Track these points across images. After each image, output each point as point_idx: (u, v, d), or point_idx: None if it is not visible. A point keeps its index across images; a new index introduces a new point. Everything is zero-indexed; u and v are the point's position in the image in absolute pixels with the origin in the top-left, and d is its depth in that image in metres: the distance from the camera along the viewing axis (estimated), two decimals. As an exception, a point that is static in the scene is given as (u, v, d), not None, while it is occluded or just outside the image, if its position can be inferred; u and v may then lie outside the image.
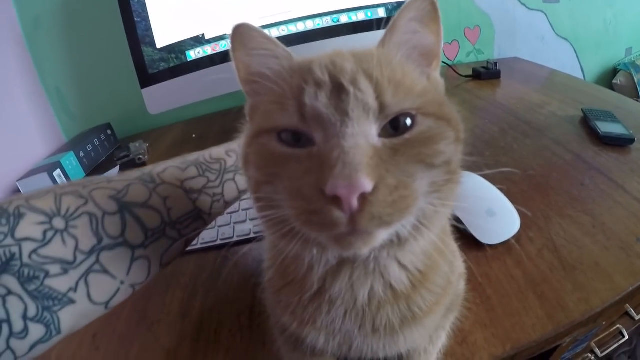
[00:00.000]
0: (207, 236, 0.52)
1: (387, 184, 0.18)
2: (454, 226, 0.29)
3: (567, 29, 1.10)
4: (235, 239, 0.51)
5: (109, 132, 0.94)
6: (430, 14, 0.23)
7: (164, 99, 0.82)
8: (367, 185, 0.17)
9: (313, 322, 0.26)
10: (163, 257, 0.32)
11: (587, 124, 0.66)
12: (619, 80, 1.21)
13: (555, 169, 0.56)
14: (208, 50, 0.81)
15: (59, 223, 0.26)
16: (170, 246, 0.32)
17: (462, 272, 0.33)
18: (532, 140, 0.64)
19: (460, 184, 0.23)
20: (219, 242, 0.51)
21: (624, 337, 0.67)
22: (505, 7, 1.04)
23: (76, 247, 0.26)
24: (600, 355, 0.67)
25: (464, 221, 0.44)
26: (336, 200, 0.17)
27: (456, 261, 0.32)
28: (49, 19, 0.91)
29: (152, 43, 0.79)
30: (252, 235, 0.51)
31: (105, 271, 0.27)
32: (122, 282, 0.29)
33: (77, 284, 0.26)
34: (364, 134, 0.19)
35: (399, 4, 0.82)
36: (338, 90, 0.20)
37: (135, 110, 0.97)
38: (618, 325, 0.63)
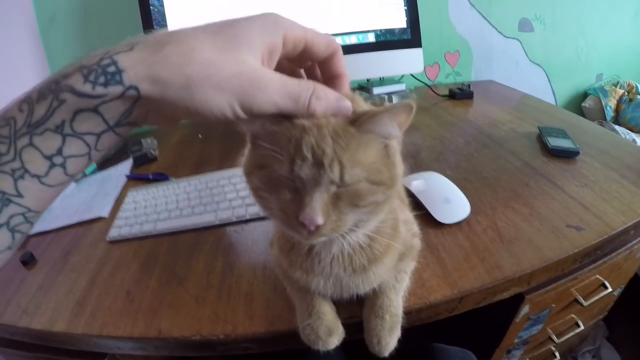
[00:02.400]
0: (224, 215, 0.67)
1: (331, 219, 0.33)
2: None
3: (540, 56, 1.29)
4: (247, 217, 0.66)
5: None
6: (406, 117, 0.33)
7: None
8: (320, 221, 0.32)
9: (312, 270, 0.42)
10: None
11: (541, 139, 0.82)
12: (587, 103, 1.39)
13: (506, 173, 0.72)
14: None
15: None
16: None
17: (416, 232, 0.50)
18: (491, 150, 0.81)
19: (385, 212, 0.38)
20: (234, 219, 0.66)
21: (579, 327, 0.81)
22: (483, 34, 1.23)
23: None
24: (557, 340, 0.80)
25: (425, 205, 0.60)
26: (303, 224, 0.32)
27: (412, 226, 0.49)
28: (65, 16, 1.02)
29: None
30: (261, 215, 0.65)
31: None
32: None
33: None
34: (325, 193, 0.32)
35: (388, 31, 0.99)
36: (318, 165, 0.31)
37: None
38: (573, 315, 0.77)
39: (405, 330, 0.44)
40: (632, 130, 1.26)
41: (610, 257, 0.64)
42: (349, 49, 0.98)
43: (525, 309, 0.62)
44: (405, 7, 0.99)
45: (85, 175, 0.91)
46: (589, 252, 0.55)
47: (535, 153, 0.78)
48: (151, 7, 0.91)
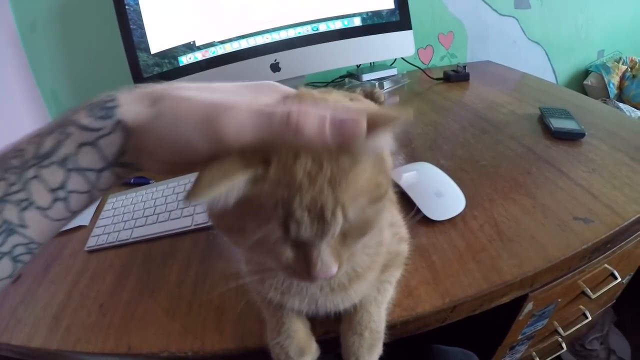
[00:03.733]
0: (200, 218, 0.62)
1: (343, 261, 0.30)
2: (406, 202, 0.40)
3: (538, 33, 1.20)
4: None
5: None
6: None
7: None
8: (334, 270, 0.29)
9: (287, 291, 0.37)
10: None
11: (543, 121, 0.75)
12: (589, 81, 1.31)
13: (506, 160, 0.65)
14: (199, 56, 0.90)
15: None
16: None
17: (404, 236, 0.43)
18: (489, 135, 0.74)
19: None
20: (209, 222, 0.60)
21: (587, 318, 0.76)
22: (478, 13, 1.14)
23: None
24: (563, 334, 0.75)
25: (415, 201, 0.54)
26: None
27: (399, 229, 0.43)
28: (46, 22, 0.99)
29: (147, 49, 0.88)
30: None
31: None
32: None
33: None
34: (332, 239, 0.28)
35: (374, 13, 0.92)
36: (319, 221, 0.27)
37: None
38: (580, 306, 0.72)
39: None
40: (636, 108, 1.18)
41: (620, 246, 0.57)
42: (334, 35, 0.91)
43: (528, 307, 0.56)
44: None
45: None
46: (598, 246, 0.48)
47: (537, 137, 0.71)
48: (127, 7, 0.87)
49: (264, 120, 0.26)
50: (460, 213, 0.53)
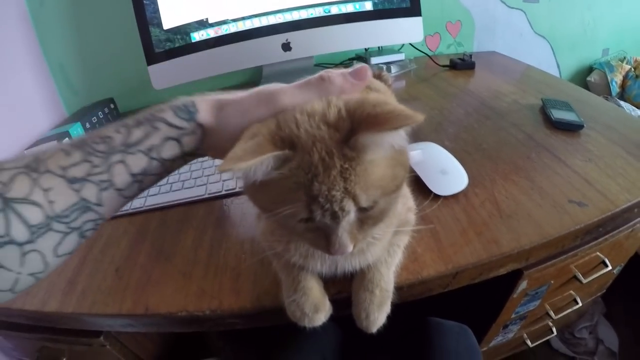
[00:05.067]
0: (214, 188, 0.64)
1: (358, 242, 0.34)
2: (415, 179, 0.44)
3: (545, 28, 1.22)
4: (237, 189, 0.63)
5: (111, 106, 1.03)
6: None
7: (168, 75, 0.92)
8: (350, 249, 0.33)
9: (312, 255, 0.41)
10: (57, 250, 0.32)
11: (544, 111, 0.77)
12: (592, 78, 1.32)
13: (507, 145, 0.68)
14: (211, 33, 0.91)
15: None
16: (62, 240, 0.32)
17: (412, 206, 0.46)
18: (492, 122, 0.76)
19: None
20: (223, 192, 0.63)
21: (577, 303, 0.78)
22: (486, 4, 1.15)
23: None
24: (554, 317, 0.78)
25: (421, 176, 0.56)
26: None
27: (407, 200, 0.46)
28: None
29: (159, 24, 0.89)
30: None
31: (0, 266, 0.29)
32: (19, 273, 0.30)
33: None
34: (347, 223, 0.32)
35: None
36: (333, 213, 0.31)
37: (137, 87, 1.05)
38: (571, 292, 0.75)
39: (399, 305, 0.42)
40: (638, 107, 1.20)
41: (612, 235, 0.60)
42: (345, 18, 0.92)
43: (523, 285, 0.59)
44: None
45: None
46: (590, 229, 0.51)
47: (538, 125, 0.73)
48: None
49: (305, 85, 0.34)
50: (463, 190, 0.56)
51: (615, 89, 1.27)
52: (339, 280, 0.43)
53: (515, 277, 0.57)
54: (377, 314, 0.40)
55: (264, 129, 0.32)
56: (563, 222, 0.50)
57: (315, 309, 0.40)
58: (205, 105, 0.36)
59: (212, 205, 0.62)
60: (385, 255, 0.43)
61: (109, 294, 0.50)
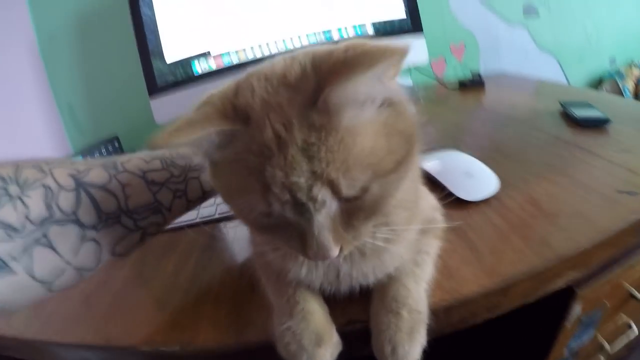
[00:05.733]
0: (206, 212, 0.56)
1: (347, 243, 0.25)
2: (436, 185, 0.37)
3: (549, 42, 1.17)
4: (231, 213, 0.55)
5: (116, 144, 1.00)
6: (398, 61, 0.22)
7: (170, 109, 0.89)
8: (334, 253, 0.24)
9: (307, 263, 0.30)
10: (116, 247, 0.31)
11: (565, 114, 0.70)
12: (604, 88, 1.26)
13: (533, 147, 0.60)
14: (213, 65, 0.90)
15: (14, 190, 0.26)
16: (124, 236, 0.31)
17: (435, 205, 0.37)
18: (511, 128, 0.69)
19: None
20: (216, 216, 0.55)
21: (630, 328, 0.66)
22: (487, 22, 1.12)
23: (26, 216, 0.26)
24: (610, 350, 0.66)
25: (444, 183, 0.48)
26: None
27: (428, 197, 0.37)
28: (64, 34, 1.00)
29: (162, 58, 0.88)
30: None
31: (51, 246, 0.27)
32: (68, 263, 0.28)
33: (20, 253, 0.25)
34: (326, 218, 0.24)
35: (386, 23, 0.91)
36: (298, 205, 0.23)
37: (142, 125, 1.02)
38: (624, 315, 0.63)
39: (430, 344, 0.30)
40: (654, 110, 1.13)
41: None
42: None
43: (577, 310, 0.48)
44: (403, -7, 0.92)
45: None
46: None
47: (562, 126, 0.66)
48: (143, 17, 0.87)
49: None
50: (494, 194, 0.47)
51: (628, 95, 1.20)
52: (349, 306, 0.33)
53: (566, 300, 0.46)
54: (407, 347, 0.28)
55: (218, 95, 0.25)
56: (618, 213, 0.41)
57: (318, 340, 0.29)
58: None
59: (201, 230, 0.54)
60: (412, 266, 0.33)
61: (74, 321, 0.42)
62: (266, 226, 0.26)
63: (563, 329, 0.50)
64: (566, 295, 0.45)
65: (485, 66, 1.15)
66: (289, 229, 0.25)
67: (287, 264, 0.31)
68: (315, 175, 0.22)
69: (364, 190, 0.23)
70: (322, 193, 0.22)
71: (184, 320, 0.38)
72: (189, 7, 0.87)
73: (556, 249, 0.37)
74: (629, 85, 1.19)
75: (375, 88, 0.23)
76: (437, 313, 0.32)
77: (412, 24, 0.92)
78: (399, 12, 0.92)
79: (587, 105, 0.70)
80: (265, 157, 0.22)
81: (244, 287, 0.40)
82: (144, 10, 0.86)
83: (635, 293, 0.54)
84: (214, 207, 0.57)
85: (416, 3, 0.90)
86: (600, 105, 0.71)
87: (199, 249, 0.50)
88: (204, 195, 0.38)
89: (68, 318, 0.43)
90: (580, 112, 0.66)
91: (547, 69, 1.18)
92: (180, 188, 0.35)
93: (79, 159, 0.84)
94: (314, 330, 0.29)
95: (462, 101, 0.94)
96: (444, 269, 0.36)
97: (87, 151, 0.93)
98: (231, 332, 0.35)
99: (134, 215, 0.32)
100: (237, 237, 0.50)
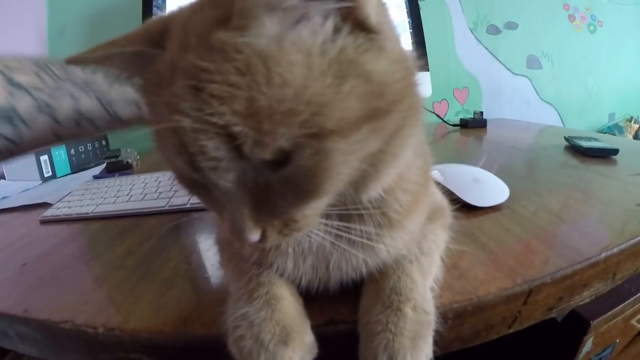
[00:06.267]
0: (177, 201, 0.49)
1: (272, 226, 0.19)
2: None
3: (550, 94, 1.18)
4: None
5: (103, 142, 0.94)
6: None
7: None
8: (254, 237, 0.19)
9: (276, 246, 0.23)
10: None
11: (572, 147, 0.67)
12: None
13: (543, 170, 0.56)
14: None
15: None
16: None
17: (440, 195, 0.32)
18: (518, 157, 0.65)
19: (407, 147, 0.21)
20: (188, 205, 0.48)
21: None
22: (492, 70, 1.13)
23: None
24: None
25: (451, 189, 0.41)
26: None
27: (434, 189, 0.31)
28: (75, 29, 0.98)
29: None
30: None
31: None
32: None
33: None
34: (235, 186, 0.18)
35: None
36: (191, 159, 0.17)
37: (133, 131, 0.98)
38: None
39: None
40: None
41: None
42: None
43: (588, 345, 0.41)
44: (410, 30, 0.93)
45: (54, 177, 0.76)
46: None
47: (569, 156, 0.62)
48: (154, 15, 0.86)
49: None
50: (505, 202, 0.41)
51: (625, 148, 1.20)
52: (333, 299, 0.25)
53: (577, 334, 0.40)
54: (409, 357, 0.20)
55: (161, 17, 0.20)
56: None
57: (284, 336, 0.21)
58: None
59: (167, 218, 0.47)
60: (417, 253, 0.25)
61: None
62: (188, 187, 0.21)
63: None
64: (581, 326, 0.39)
65: (487, 111, 1.15)
66: (208, 194, 0.19)
67: (268, 257, 0.24)
68: (203, 119, 0.15)
69: (285, 154, 0.16)
70: (214, 146, 0.16)
71: (119, 301, 0.30)
72: None
73: (583, 253, 0.30)
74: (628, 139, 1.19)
75: None
76: (446, 318, 0.24)
77: (418, 57, 0.91)
78: (406, 46, 0.92)
79: (593, 138, 0.66)
80: (159, 89, 0.17)
81: (201, 277, 0.33)
82: (156, 11, 0.85)
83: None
84: (186, 197, 0.50)
85: (423, 37, 0.90)
86: (606, 141, 0.68)
87: (159, 235, 0.42)
88: (78, 120, 0.30)
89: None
90: (587, 144, 0.63)
91: (547, 119, 1.18)
92: (47, 102, 0.28)
93: (61, 148, 0.78)
94: (280, 321, 0.21)
95: (464, 139, 0.90)
96: (453, 268, 0.29)
97: (72, 145, 0.87)
98: (172, 321, 0.27)
99: None
100: (207, 225, 0.43)
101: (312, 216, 0.20)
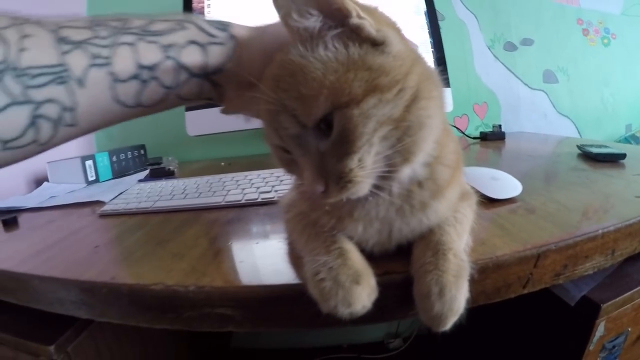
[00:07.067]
0: (232, 197, 0.57)
1: (332, 181, 0.27)
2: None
3: (567, 107, 1.24)
4: (259, 199, 0.56)
5: (142, 151, 1.04)
6: None
7: (204, 122, 0.93)
8: (320, 189, 0.27)
9: (349, 214, 0.31)
10: None
11: (583, 155, 0.73)
12: (620, 149, 1.29)
13: (553, 172, 0.64)
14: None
15: None
16: (7, 105, 0.23)
17: (467, 184, 0.39)
18: (530, 163, 0.72)
19: (432, 126, 0.28)
20: (243, 201, 0.56)
21: None
22: (510, 85, 1.20)
23: None
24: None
25: (473, 185, 0.48)
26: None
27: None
28: None
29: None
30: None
31: None
32: None
33: None
34: (305, 149, 0.27)
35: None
36: (276, 131, 0.28)
37: (169, 136, 1.07)
38: None
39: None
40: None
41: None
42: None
43: (600, 329, 0.46)
44: (432, 49, 1.01)
45: (97, 181, 0.86)
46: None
47: (580, 161, 0.69)
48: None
49: None
50: (519, 195, 0.48)
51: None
52: (384, 258, 0.33)
53: (590, 318, 0.45)
54: (454, 290, 0.27)
55: None
56: (639, 210, 0.41)
57: (356, 277, 0.27)
58: (243, 27, 0.34)
59: (228, 211, 0.54)
60: (453, 220, 0.33)
61: (78, 263, 0.40)
62: (278, 156, 0.30)
63: (586, 353, 0.47)
64: (592, 310, 0.44)
65: (505, 125, 1.21)
66: (292, 161, 0.29)
67: (342, 224, 0.32)
68: (278, 103, 0.26)
69: (327, 123, 0.26)
70: (285, 120, 0.27)
71: (202, 268, 0.36)
72: (239, 19, 0.94)
73: (583, 229, 0.37)
74: (646, 151, 1.21)
75: (311, 21, 0.26)
76: (472, 273, 0.31)
77: (440, 73, 0.99)
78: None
79: (604, 145, 0.73)
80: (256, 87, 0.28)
81: (275, 252, 0.39)
82: None
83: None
84: (240, 195, 0.58)
85: (444, 54, 0.98)
86: (616, 148, 0.75)
87: (223, 223, 0.49)
88: (140, 76, 0.28)
89: (73, 260, 0.42)
90: (597, 150, 0.69)
91: (565, 132, 1.23)
92: (101, 54, 0.26)
93: (104, 154, 0.88)
94: (352, 266, 0.28)
95: (483, 150, 0.97)
96: (476, 239, 0.36)
97: (114, 152, 0.96)
98: (254, 280, 0.34)
99: (22, 77, 0.23)
100: (266, 218, 0.50)
101: (358, 171, 0.26)
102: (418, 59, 0.29)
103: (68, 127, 0.26)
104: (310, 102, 0.25)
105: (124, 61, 0.27)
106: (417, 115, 0.27)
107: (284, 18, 0.27)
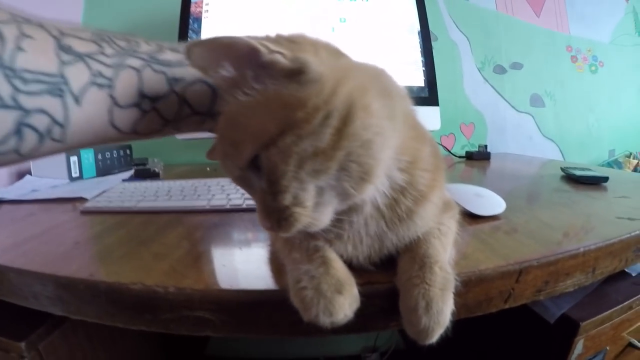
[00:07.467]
0: (217, 201, 0.57)
1: (274, 218, 0.27)
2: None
3: (552, 131, 1.29)
4: (244, 206, 0.56)
5: (127, 151, 1.03)
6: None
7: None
8: (267, 225, 0.28)
9: (339, 237, 0.31)
10: None
11: (567, 177, 0.76)
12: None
13: (536, 193, 0.67)
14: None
15: None
16: None
17: (449, 196, 0.39)
18: (514, 184, 0.75)
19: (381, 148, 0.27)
20: (228, 206, 0.56)
21: None
22: (497, 107, 1.25)
23: None
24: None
25: (457, 201, 0.49)
26: None
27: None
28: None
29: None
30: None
31: None
32: None
33: None
34: (254, 192, 0.28)
35: (406, 88, 1.01)
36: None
37: (156, 143, 1.05)
38: None
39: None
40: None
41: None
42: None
43: (579, 348, 0.47)
44: (424, 68, 1.03)
45: (81, 178, 0.84)
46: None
47: (563, 183, 0.72)
48: (189, 33, 0.93)
49: None
50: (503, 213, 0.50)
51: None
52: (366, 271, 0.33)
53: (570, 334, 0.46)
54: (441, 304, 0.27)
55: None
56: (619, 229, 0.43)
57: (338, 287, 0.27)
58: None
59: (213, 215, 0.54)
60: (437, 232, 0.33)
61: (57, 258, 0.39)
62: (236, 182, 0.30)
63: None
64: (571, 328, 0.45)
65: (491, 145, 1.25)
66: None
67: (331, 244, 0.32)
68: (225, 151, 0.28)
69: (253, 161, 0.26)
70: (228, 164, 0.28)
71: (183, 270, 0.35)
72: (237, 25, 0.93)
73: (564, 246, 0.39)
74: (627, 174, 1.26)
75: (228, 70, 0.26)
76: (458, 285, 0.31)
77: (429, 92, 1.01)
78: (418, 80, 1.02)
79: (587, 169, 0.76)
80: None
81: (260, 259, 0.40)
82: (191, 35, 0.94)
83: (636, 343, 0.53)
84: (225, 200, 0.58)
85: (434, 73, 1.00)
86: (599, 171, 0.78)
87: (208, 226, 0.49)
88: (140, 104, 0.27)
89: (50, 254, 0.41)
90: (580, 172, 0.72)
91: (549, 155, 1.27)
92: (103, 72, 0.25)
93: (91, 154, 0.87)
94: (334, 276, 0.28)
95: (469, 167, 1.00)
96: (459, 253, 0.37)
97: (99, 150, 0.95)
98: (236, 284, 0.34)
99: (14, 79, 0.21)
100: (251, 225, 0.50)
101: (296, 208, 0.26)
102: (350, 72, 0.27)
103: (54, 142, 0.25)
104: (239, 148, 0.26)
105: (126, 86, 0.26)
106: (355, 137, 0.25)
107: (204, 75, 0.28)
